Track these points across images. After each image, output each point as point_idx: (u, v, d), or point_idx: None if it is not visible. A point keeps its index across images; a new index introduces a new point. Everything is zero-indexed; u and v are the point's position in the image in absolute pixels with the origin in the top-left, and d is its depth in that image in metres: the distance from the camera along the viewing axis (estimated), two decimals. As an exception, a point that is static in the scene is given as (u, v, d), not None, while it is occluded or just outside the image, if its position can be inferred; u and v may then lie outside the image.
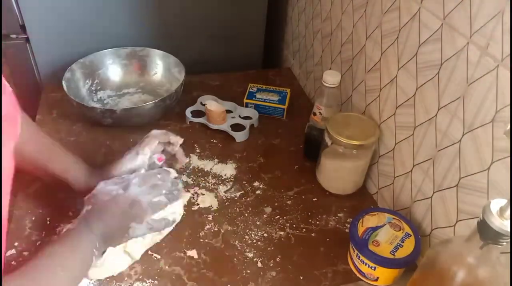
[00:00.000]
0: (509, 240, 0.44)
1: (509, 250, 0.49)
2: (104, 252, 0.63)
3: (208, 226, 0.76)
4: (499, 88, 0.53)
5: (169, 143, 0.78)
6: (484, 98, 0.56)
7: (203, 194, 0.82)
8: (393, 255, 0.65)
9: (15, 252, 0.70)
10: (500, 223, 0.43)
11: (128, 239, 0.65)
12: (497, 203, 0.44)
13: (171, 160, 0.80)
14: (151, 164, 0.74)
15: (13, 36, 1.03)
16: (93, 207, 0.63)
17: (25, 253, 0.70)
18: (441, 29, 0.62)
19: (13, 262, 0.68)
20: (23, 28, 1.02)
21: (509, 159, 0.53)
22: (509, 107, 0.52)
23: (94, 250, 0.60)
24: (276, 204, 0.82)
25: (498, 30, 0.52)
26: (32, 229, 0.73)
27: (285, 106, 1.02)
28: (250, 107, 1.02)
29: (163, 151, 0.78)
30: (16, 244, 0.71)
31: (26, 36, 1.04)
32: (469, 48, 0.57)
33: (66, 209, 0.76)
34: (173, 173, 0.72)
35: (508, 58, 0.51)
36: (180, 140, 0.78)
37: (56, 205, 0.77)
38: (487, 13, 0.53)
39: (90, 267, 0.60)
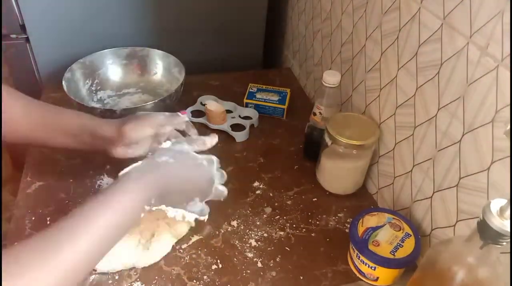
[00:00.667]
0: (509, 240, 0.44)
1: (509, 250, 0.49)
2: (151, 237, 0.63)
3: (208, 226, 0.76)
4: (499, 88, 0.53)
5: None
6: (484, 98, 0.56)
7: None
8: (393, 255, 0.65)
9: (15, 252, 0.70)
10: (500, 223, 0.43)
11: (184, 209, 0.63)
12: (497, 203, 0.44)
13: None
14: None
15: (13, 36, 1.03)
16: (175, 162, 0.61)
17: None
18: (441, 29, 0.62)
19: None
20: (23, 28, 1.02)
21: (509, 159, 0.53)
22: (509, 107, 0.52)
23: (146, 207, 0.57)
24: (276, 204, 0.82)
25: (498, 30, 0.52)
26: (32, 229, 0.73)
27: (285, 106, 1.02)
28: (250, 107, 1.02)
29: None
30: (16, 244, 0.71)
31: (26, 36, 1.04)
32: (469, 48, 0.57)
33: (66, 209, 0.76)
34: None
35: (508, 58, 0.51)
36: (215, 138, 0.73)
37: (56, 205, 0.77)
38: (487, 13, 0.53)
39: (135, 224, 0.57)
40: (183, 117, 0.73)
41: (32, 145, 0.81)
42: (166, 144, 0.66)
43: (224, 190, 0.68)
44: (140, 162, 0.60)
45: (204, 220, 0.68)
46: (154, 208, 0.60)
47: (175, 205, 0.63)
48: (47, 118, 0.69)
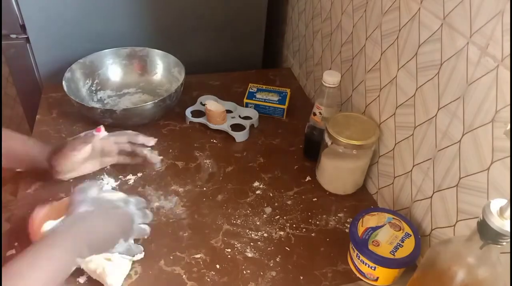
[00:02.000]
0: (509, 240, 0.44)
1: (509, 250, 0.49)
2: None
3: (208, 226, 0.76)
4: (499, 88, 0.53)
5: (136, 144, 0.81)
6: (484, 98, 0.56)
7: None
8: (393, 255, 0.65)
9: (15, 252, 0.70)
10: (500, 223, 0.43)
11: (111, 252, 0.64)
12: (497, 203, 0.44)
13: (143, 164, 0.83)
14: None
15: (13, 36, 1.03)
16: (95, 210, 0.63)
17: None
18: (441, 29, 0.62)
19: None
20: (23, 28, 1.02)
21: (509, 159, 0.53)
22: (509, 107, 0.52)
23: (78, 259, 0.58)
24: (276, 204, 0.82)
25: (498, 30, 0.52)
26: (32, 229, 0.74)
27: (285, 106, 1.02)
28: (250, 107, 1.02)
29: (130, 153, 0.82)
30: (16, 244, 0.71)
31: (26, 36, 1.04)
32: (469, 48, 0.57)
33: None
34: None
35: (508, 58, 0.51)
36: (152, 141, 0.81)
37: (56, 205, 0.78)
38: (487, 13, 0.53)
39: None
40: (98, 135, 0.77)
41: None
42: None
43: (146, 228, 0.69)
44: (61, 218, 0.61)
45: (136, 258, 0.68)
46: (86, 259, 0.61)
47: (104, 251, 0.63)
48: None
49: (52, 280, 0.54)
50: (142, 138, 0.81)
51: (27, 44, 1.05)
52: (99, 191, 0.67)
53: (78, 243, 0.58)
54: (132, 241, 0.68)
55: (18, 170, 0.76)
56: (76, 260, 0.58)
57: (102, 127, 0.77)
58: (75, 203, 0.63)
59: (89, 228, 0.61)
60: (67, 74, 0.96)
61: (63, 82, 0.93)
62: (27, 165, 0.77)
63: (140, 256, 0.69)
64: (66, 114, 0.99)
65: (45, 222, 0.61)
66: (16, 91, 1.16)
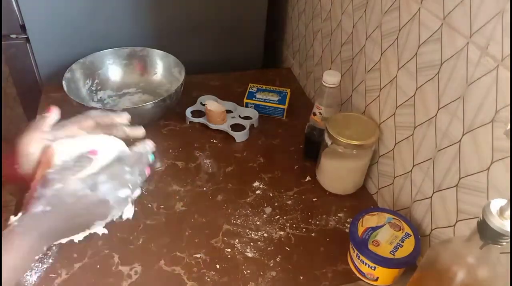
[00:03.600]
0: (509, 240, 0.44)
1: (509, 250, 0.49)
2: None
3: (208, 226, 0.76)
4: (499, 88, 0.53)
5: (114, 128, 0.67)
6: (484, 98, 0.56)
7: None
8: (393, 255, 0.65)
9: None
10: (500, 223, 0.43)
11: (86, 231, 0.60)
12: (497, 203, 0.44)
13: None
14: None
15: (13, 36, 1.03)
16: (53, 209, 0.55)
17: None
18: (441, 29, 0.62)
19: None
20: (23, 28, 1.02)
21: (509, 159, 0.53)
22: (509, 107, 0.52)
23: (37, 257, 0.55)
24: (276, 204, 0.81)
25: (498, 30, 0.52)
26: (32, 229, 0.73)
27: (285, 106, 1.02)
28: (250, 107, 1.02)
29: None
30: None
31: (26, 36, 1.04)
32: (469, 48, 0.57)
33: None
34: (148, 147, 0.63)
35: (508, 58, 0.51)
36: (124, 116, 0.66)
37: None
38: (487, 13, 0.53)
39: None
40: (47, 116, 0.66)
41: None
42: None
43: (127, 197, 0.60)
44: (20, 214, 0.55)
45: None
46: (56, 242, 0.57)
47: (76, 233, 0.59)
48: None
49: (20, 267, 0.53)
50: (112, 118, 0.67)
51: (27, 44, 1.05)
52: (65, 181, 0.57)
53: (38, 235, 0.54)
54: (113, 213, 0.60)
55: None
56: (43, 248, 0.54)
57: (54, 109, 0.66)
58: (31, 198, 0.56)
59: (50, 227, 0.55)
60: (67, 74, 0.96)
61: (63, 82, 0.93)
62: None
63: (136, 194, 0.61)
64: (66, 114, 0.98)
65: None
66: (16, 91, 1.16)
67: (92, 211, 0.58)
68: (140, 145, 0.62)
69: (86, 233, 0.61)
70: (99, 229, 0.62)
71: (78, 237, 0.61)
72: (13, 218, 0.55)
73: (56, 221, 0.56)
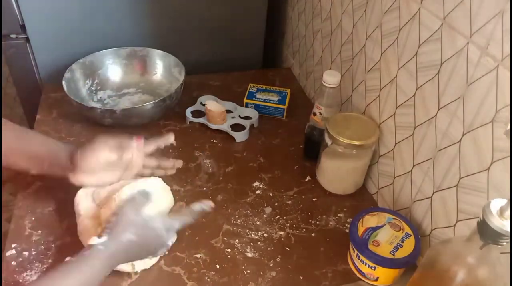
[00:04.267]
0: (509, 240, 0.44)
1: (509, 250, 0.49)
2: None
3: (208, 226, 0.76)
4: (499, 88, 0.53)
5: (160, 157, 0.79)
6: (484, 98, 0.56)
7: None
8: (393, 255, 0.65)
9: (15, 252, 0.70)
10: (500, 223, 0.43)
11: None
12: (497, 203, 0.44)
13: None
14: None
15: (13, 36, 1.03)
16: (137, 239, 0.61)
17: (25, 253, 0.70)
18: (441, 29, 0.62)
19: (13, 262, 0.68)
20: (23, 28, 1.02)
21: (509, 159, 0.53)
22: (509, 107, 0.52)
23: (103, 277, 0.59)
24: (276, 204, 0.81)
25: (498, 30, 0.52)
26: (32, 229, 0.73)
27: (285, 106, 1.02)
28: (250, 107, 1.02)
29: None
30: (16, 244, 0.71)
31: (26, 36, 1.04)
32: (469, 48, 0.57)
33: (65, 209, 0.76)
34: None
35: (508, 58, 0.51)
36: (171, 137, 0.77)
37: (56, 205, 0.77)
38: (487, 13, 0.53)
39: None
40: (136, 145, 0.72)
41: None
42: (126, 191, 0.67)
43: (168, 245, 0.69)
44: (105, 237, 0.59)
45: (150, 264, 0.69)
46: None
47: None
48: (12, 143, 0.68)
49: None
50: (165, 139, 0.77)
51: (27, 44, 1.05)
52: (142, 209, 0.64)
53: (110, 266, 0.59)
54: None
55: (33, 172, 0.71)
56: (107, 273, 0.59)
57: (143, 138, 0.72)
58: (121, 222, 0.61)
59: (127, 254, 0.62)
60: (67, 74, 0.96)
61: (63, 82, 0.93)
62: (47, 165, 0.70)
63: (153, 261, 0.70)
64: (66, 115, 0.99)
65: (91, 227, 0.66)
66: (16, 91, 1.16)
67: (156, 248, 0.66)
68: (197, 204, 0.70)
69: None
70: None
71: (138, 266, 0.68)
72: (97, 239, 0.59)
73: (133, 250, 0.62)
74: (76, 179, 0.69)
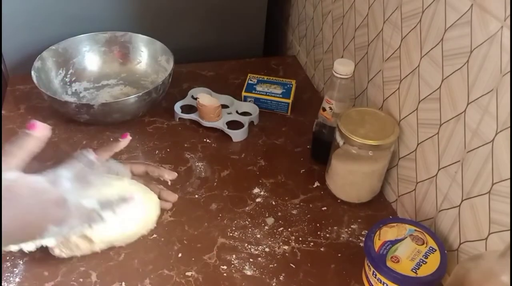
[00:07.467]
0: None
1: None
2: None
3: (200, 240, 0.77)
4: (538, 79, 0.53)
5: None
6: (520, 91, 0.56)
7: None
8: (415, 272, 0.65)
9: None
10: (539, 236, 0.43)
11: (37, 240, 0.60)
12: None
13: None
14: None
15: (-26, 19, 1.04)
16: (3, 202, 0.53)
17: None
18: (471, 10, 0.62)
19: None
20: (-15, 10, 1.03)
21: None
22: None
23: None
24: (280, 213, 0.82)
25: (537, 12, 0.52)
26: None
27: (289, 100, 1.02)
28: (249, 101, 1.02)
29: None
30: None
31: (-12, 19, 1.04)
32: (503, 33, 0.57)
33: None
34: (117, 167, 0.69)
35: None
36: (173, 175, 0.78)
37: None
38: (524, -7, 0.54)
39: None
40: (123, 142, 0.71)
41: None
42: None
43: (91, 201, 0.61)
44: None
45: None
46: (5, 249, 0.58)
47: (25, 240, 0.59)
48: None
49: None
50: (162, 173, 0.77)
51: (-10, 29, 1.06)
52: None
53: None
54: (76, 220, 0.60)
55: None
56: None
57: (128, 136, 0.72)
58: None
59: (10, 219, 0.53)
60: (37, 63, 0.96)
61: (32, 73, 0.94)
62: None
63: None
64: (35, 110, 0.99)
65: None
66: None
67: (47, 210, 0.57)
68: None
69: (37, 242, 0.60)
70: (51, 241, 0.62)
71: (28, 246, 0.60)
72: None
73: (5, 218, 0.53)
74: None
